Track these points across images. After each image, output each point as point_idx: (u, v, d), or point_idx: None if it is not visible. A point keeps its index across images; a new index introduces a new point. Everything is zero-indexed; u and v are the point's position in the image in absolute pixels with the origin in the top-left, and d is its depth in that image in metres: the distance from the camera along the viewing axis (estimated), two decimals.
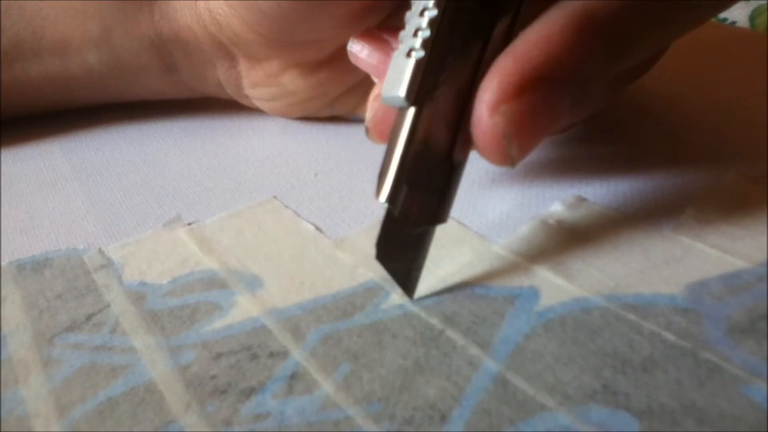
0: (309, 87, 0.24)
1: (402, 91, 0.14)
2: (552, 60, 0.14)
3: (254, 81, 0.24)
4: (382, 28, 0.19)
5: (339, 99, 0.24)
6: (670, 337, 0.13)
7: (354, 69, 0.22)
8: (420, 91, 0.14)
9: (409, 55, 0.14)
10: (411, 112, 0.14)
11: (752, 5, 0.40)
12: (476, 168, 0.20)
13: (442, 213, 0.15)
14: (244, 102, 0.26)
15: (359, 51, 0.19)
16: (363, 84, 0.24)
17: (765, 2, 0.40)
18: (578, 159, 0.20)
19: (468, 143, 0.15)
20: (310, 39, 0.22)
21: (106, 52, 0.25)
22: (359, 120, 0.25)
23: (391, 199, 0.14)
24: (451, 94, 0.14)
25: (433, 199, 0.15)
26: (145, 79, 0.26)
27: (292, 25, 0.20)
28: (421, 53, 0.14)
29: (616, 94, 0.18)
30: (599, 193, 0.18)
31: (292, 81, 0.23)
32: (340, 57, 0.23)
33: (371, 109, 0.18)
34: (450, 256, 0.16)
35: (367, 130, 0.18)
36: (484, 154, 0.15)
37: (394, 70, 0.14)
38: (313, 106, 0.25)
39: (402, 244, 0.15)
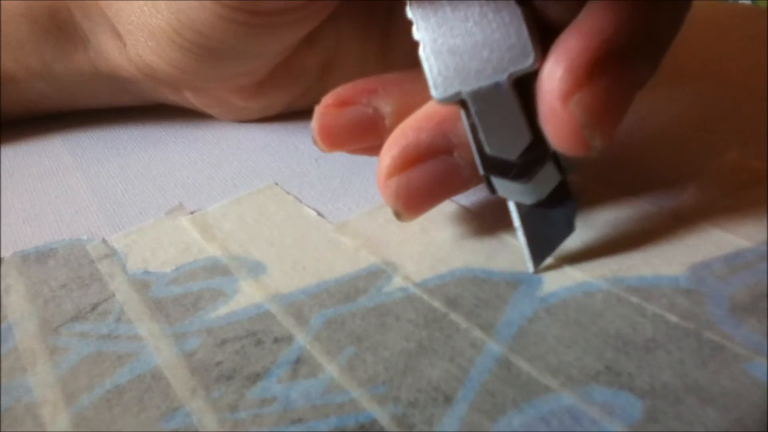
0: (259, 103, 0.24)
1: (530, 53, 0.12)
2: (626, 27, 0.12)
3: (204, 104, 0.24)
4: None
5: (298, 99, 0.24)
6: (672, 318, 0.13)
7: (301, 75, 0.21)
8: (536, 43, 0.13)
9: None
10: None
11: None
12: None
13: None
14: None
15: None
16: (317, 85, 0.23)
17: None
18: None
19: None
20: (240, 71, 0.21)
21: (52, 82, 0.24)
22: None
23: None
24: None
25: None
26: (104, 95, 0.25)
27: (219, 62, 0.20)
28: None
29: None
30: (599, 174, 0.18)
31: (241, 101, 0.23)
32: (282, 72, 0.22)
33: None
34: (452, 239, 0.16)
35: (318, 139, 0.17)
36: (562, 147, 0.13)
37: (500, 34, 0.13)
38: (274, 111, 0.24)
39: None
